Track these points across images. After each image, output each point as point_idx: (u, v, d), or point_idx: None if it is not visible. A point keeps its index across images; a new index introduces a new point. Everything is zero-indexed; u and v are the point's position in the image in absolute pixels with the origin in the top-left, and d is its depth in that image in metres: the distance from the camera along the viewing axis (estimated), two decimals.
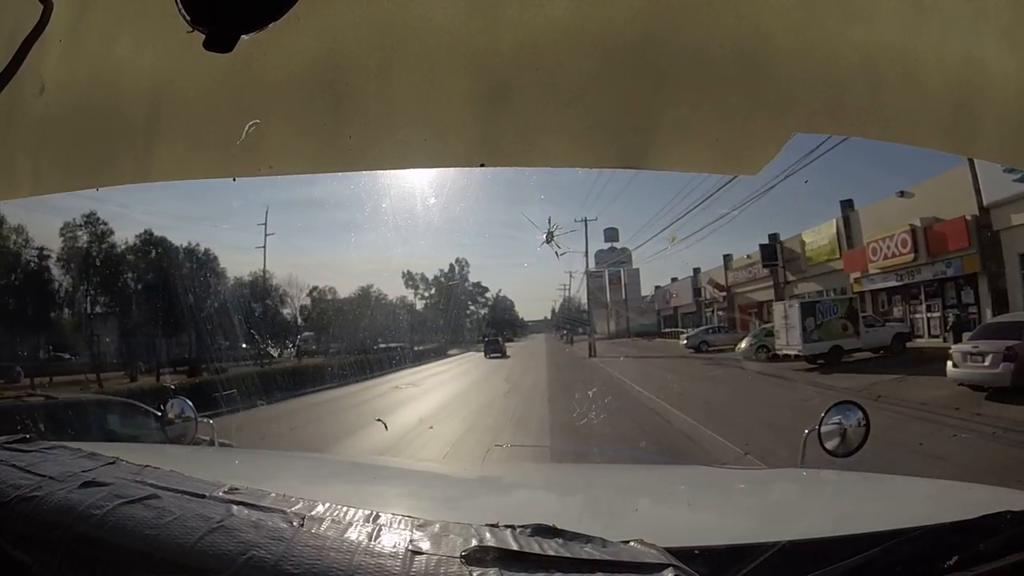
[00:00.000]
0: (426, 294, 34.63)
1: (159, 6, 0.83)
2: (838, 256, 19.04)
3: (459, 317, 35.53)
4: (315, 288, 28.26)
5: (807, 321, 15.25)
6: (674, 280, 31.00)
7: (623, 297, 32.38)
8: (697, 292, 28.08)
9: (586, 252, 27.21)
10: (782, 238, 21.90)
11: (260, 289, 25.39)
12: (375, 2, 0.94)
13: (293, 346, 25.99)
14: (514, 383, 15.12)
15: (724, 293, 25.55)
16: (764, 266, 22.22)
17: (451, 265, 35.18)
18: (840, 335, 15.27)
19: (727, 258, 25.61)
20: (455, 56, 0.97)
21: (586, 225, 25.37)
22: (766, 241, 22.08)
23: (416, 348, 26.97)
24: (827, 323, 15.33)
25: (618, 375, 15.12)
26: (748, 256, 23.79)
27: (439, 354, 28.07)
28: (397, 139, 1.09)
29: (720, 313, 26.20)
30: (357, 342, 25.10)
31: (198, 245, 23.65)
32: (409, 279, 33.30)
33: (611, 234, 29.66)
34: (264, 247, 25.54)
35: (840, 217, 19.03)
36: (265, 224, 25.18)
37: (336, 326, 26.57)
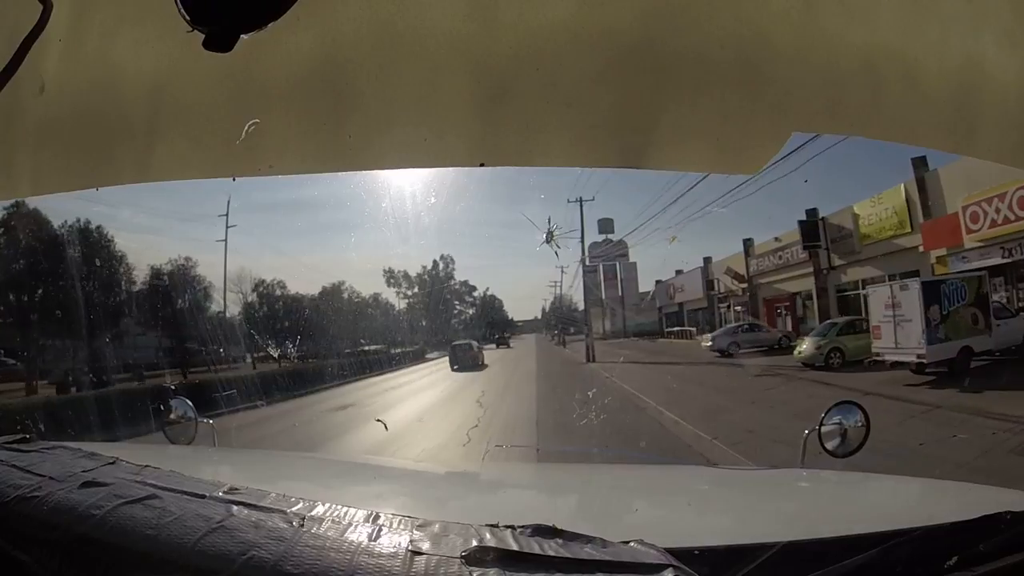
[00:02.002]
0: (408, 293, 32.02)
1: (159, 6, 0.83)
2: (909, 230, 14.45)
3: (444, 317, 32.85)
4: (262, 282, 23.61)
5: (931, 310, 10.10)
6: (679, 273, 26.91)
7: (619, 294, 28.66)
8: (710, 285, 23.97)
9: (582, 238, 23.14)
10: (822, 214, 17.65)
11: (181, 282, 20.06)
12: (375, 2, 0.94)
13: (246, 350, 21.20)
14: (489, 406, 9.81)
15: (745, 285, 21.52)
16: (805, 247, 17.77)
17: (435, 261, 32.36)
18: (969, 330, 10.32)
19: (748, 243, 21.54)
20: (455, 56, 0.97)
21: (581, 205, 22.16)
22: (793, 222, 18.07)
23: (394, 351, 24.48)
24: (954, 313, 10.25)
25: (637, 394, 10.20)
26: (776, 239, 19.62)
27: (415, 358, 25.19)
28: (397, 139, 1.09)
29: (738, 308, 22.27)
30: (323, 346, 22.01)
31: (88, 223, 17.85)
32: (391, 277, 30.70)
33: (605, 225, 26.00)
34: (225, 240, 21.85)
35: (913, 179, 14.46)
36: (227, 216, 21.63)
37: (296, 327, 22.70)
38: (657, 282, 28.88)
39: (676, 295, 27.25)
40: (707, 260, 24.49)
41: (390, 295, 32.01)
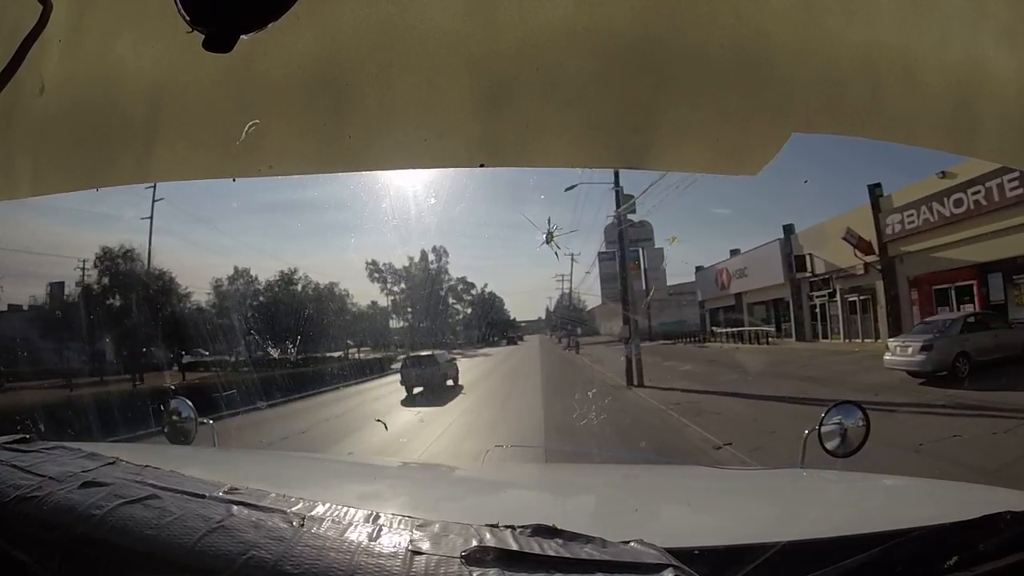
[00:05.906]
0: (395, 289, 28.50)
1: (159, 6, 0.83)
2: None
3: (436, 317, 28.71)
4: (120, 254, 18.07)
5: None
6: (735, 253, 19.35)
7: (644, 286, 19.87)
8: (798, 263, 15.93)
9: (616, 182, 15.04)
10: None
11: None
12: (375, 2, 0.94)
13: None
14: None
15: (874, 257, 13.45)
16: None
17: (423, 252, 28.15)
18: None
19: (876, 192, 13.13)
20: (455, 56, 0.97)
21: None
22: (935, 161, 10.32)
23: (369, 357, 21.13)
24: None
25: None
26: (942, 174, 11.56)
27: (380, 368, 20.29)
28: (397, 139, 1.09)
29: (852, 298, 14.18)
30: (262, 352, 18.01)
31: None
32: (375, 270, 26.99)
33: (625, 203, 18.10)
34: (151, 217, 18.48)
35: None
36: (153, 188, 17.79)
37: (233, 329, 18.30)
38: (697, 269, 21.22)
39: (731, 283, 19.43)
40: (788, 229, 16.61)
41: (364, 291, 28.15)
